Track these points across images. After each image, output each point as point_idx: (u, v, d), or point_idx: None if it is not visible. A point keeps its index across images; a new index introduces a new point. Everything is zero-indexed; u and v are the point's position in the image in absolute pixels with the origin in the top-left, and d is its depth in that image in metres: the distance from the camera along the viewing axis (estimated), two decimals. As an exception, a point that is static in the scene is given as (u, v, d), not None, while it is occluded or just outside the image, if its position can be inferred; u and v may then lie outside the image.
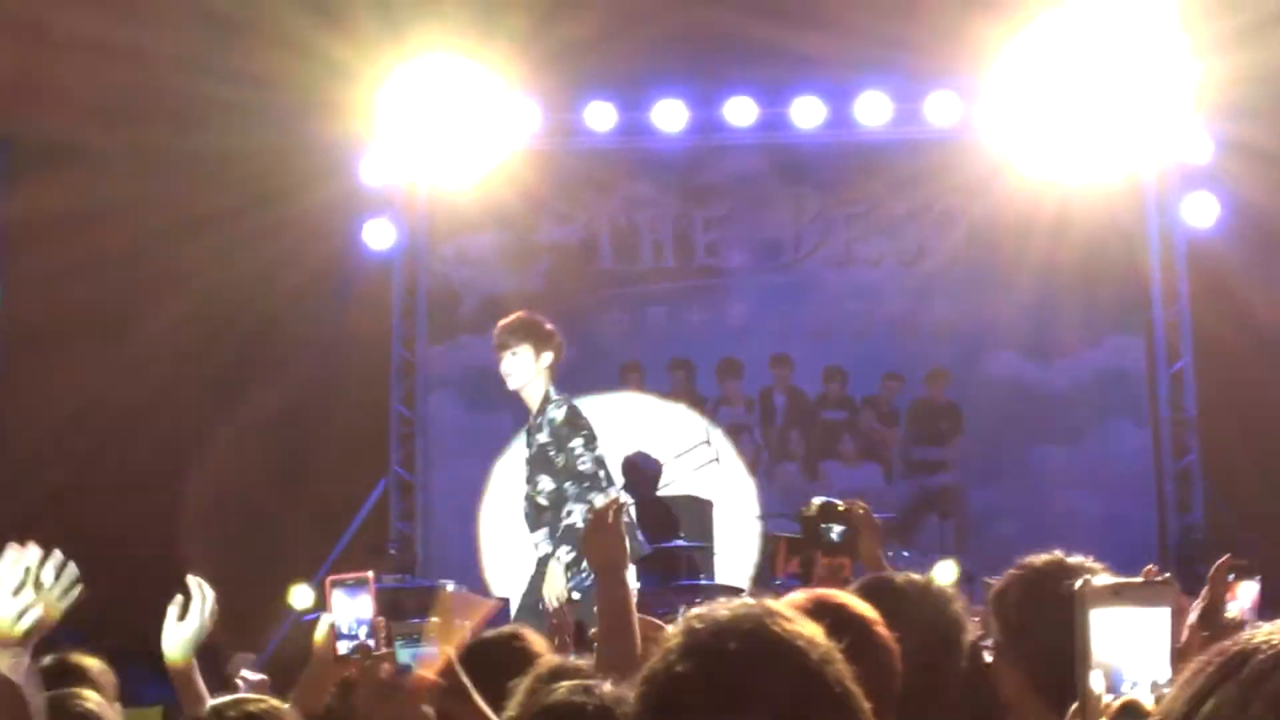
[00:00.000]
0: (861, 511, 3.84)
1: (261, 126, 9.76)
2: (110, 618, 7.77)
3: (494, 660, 2.77)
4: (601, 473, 5.50)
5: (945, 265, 9.47)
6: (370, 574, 2.92)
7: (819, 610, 1.86)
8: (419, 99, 9.06)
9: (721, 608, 1.57)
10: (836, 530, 3.83)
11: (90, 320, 9.62)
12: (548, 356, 5.58)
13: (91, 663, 3.22)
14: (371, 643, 2.71)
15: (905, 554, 7.68)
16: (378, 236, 9.44)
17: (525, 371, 5.53)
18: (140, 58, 9.84)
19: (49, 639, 2.54)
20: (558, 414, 5.53)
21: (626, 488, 8.46)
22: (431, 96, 9.06)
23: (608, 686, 2.11)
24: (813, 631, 1.55)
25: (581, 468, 5.45)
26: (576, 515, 5.38)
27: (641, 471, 8.44)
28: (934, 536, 8.70)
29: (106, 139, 9.87)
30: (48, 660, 3.15)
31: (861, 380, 9.49)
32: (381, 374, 9.64)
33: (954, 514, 8.83)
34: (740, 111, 9.32)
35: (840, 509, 3.84)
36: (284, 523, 9.53)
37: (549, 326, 5.64)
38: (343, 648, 2.81)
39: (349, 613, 2.98)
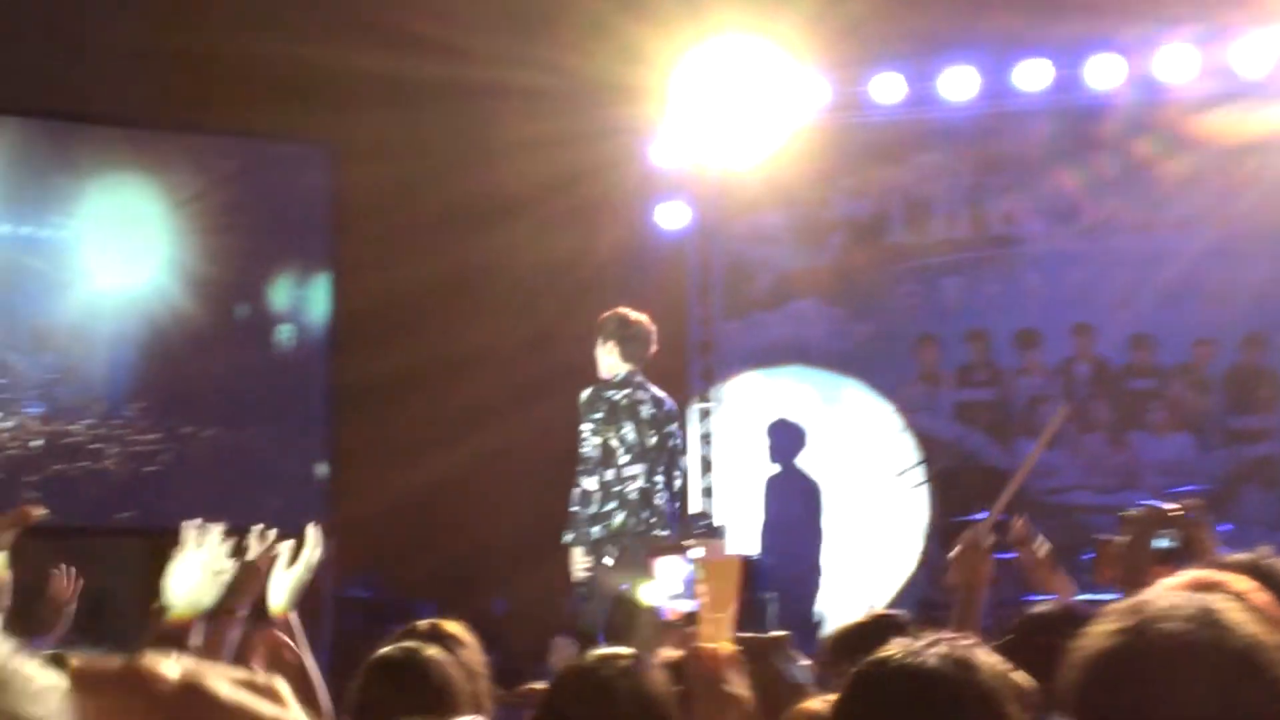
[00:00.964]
0: (1196, 510, 3.47)
1: (558, 113, 9.91)
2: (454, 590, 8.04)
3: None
4: (599, 455, 5.84)
5: (1259, 226, 8.87)
6: (688, 542, 2.89)
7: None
8: (710, 80, 9.03)
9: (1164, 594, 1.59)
10: (1168, 538, 3.49)
11: (411, 307, 9.96)
12: (609, 345, 6.11)
13: (453, 626, 3.24)
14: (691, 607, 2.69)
15: (1224, 527, 7.28)
16: (671, 218, 9.45)
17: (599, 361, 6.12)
18: (444, 50, 10.12)
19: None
20: (581, 396, 6.08)
21: (772, 451, 8.56)
22: (722, 77, 9.01)
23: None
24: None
25: (582, 450, 5.89)
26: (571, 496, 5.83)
27: (785, 435, 8.61)
28: (1254, 508, 8.21)
29: (415, 132, 10.20)
30: (422, 624, 3.24)
31: (1171, 347, 8.99)
32: (679, 352, 9.66)
33: (1277, 485, 8.30)
34: (1032, 75, 8.92)
35: (1171, 512, 3.44)
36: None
37: (610, 316, 6.21)
38: (671, 609, 2.79)
39: (670, 580, 2.96)
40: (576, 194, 9.85)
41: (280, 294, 9.43)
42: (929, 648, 1.75)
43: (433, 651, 2.83)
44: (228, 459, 9.06)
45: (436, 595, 9.46)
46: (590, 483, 5.77)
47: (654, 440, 5.88)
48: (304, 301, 9.43)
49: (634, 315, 6.17)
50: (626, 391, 5.97)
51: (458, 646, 3.05)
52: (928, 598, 8.14)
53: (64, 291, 8.94)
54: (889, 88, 9.11)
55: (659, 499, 5.85)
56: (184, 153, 9.36)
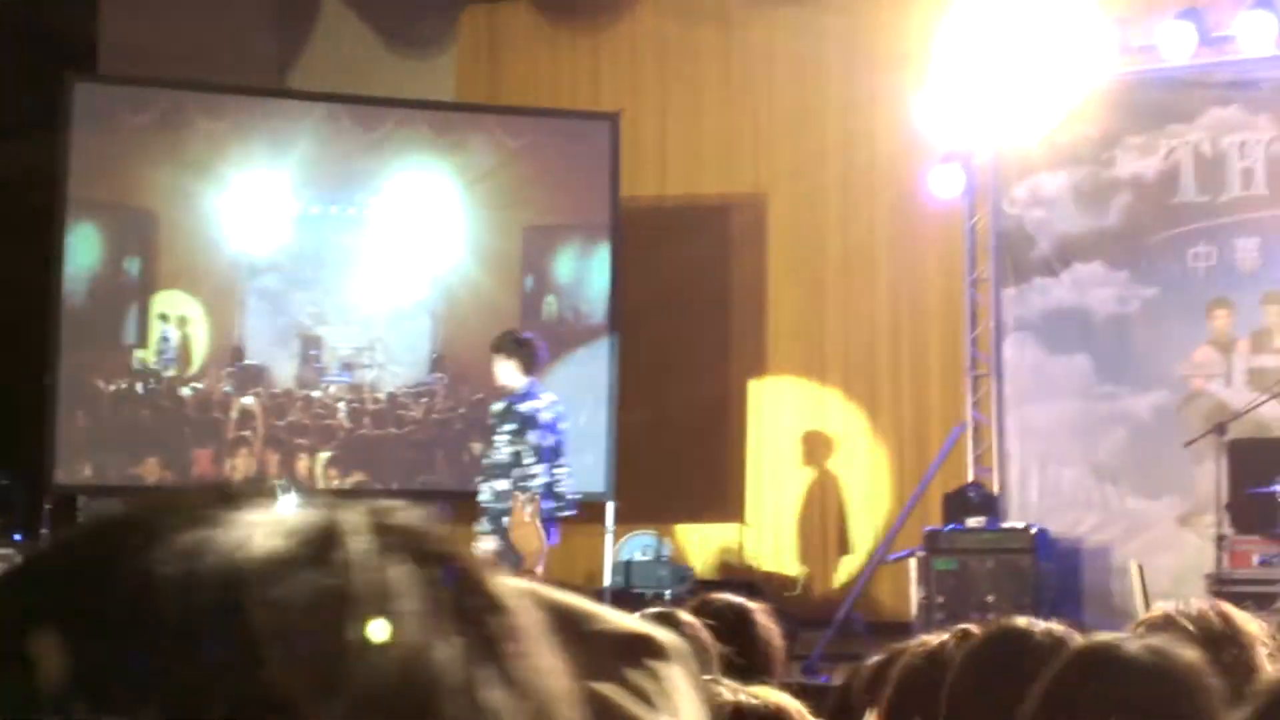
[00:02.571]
0: None
1: (828, 80, 9.65)
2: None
3: None
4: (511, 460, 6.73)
5: None
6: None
7: None
8: (987, 39, 8.56)
9: None
10: None
11: (686, 279, 9.95)
12: (511, 361, 6.89)
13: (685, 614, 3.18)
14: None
15: None
16: (945, 182, 9.05)
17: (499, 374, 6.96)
18: (718, 19, 10.00)
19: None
20: (494, 408, 7.01)
21: None
22: (999, 35, 8.53)
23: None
24: None
25: (495, 456, 6.81)
26: (485, 493, 6.77)
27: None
28: None
29: (692, 100, 10.13)
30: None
31: None
32: (955, 319, 9.30)
33: None
34: (1341, 19, 8.08)
35: None
36: (868, 460, 9.50)
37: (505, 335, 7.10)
38: None
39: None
40: (849, 160, 9.59)
41: (565, 266, 9.57)
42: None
43: None
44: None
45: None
46: (503, 484, 6.69)
47: (550, 441, 6.77)
48: (587, 272, 9.54)
49: (525, 334, 7.19)
50: (530, 402, 6.80)
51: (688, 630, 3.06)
52: (1217, 573, 7.62)
53: (368, 267, 9.32)
54: (1180, 39, 8.42)
55: (561, 487, 6.83)
56: (477, 131, 9.58)
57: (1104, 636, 1.88)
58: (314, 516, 0.51)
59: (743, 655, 2.70)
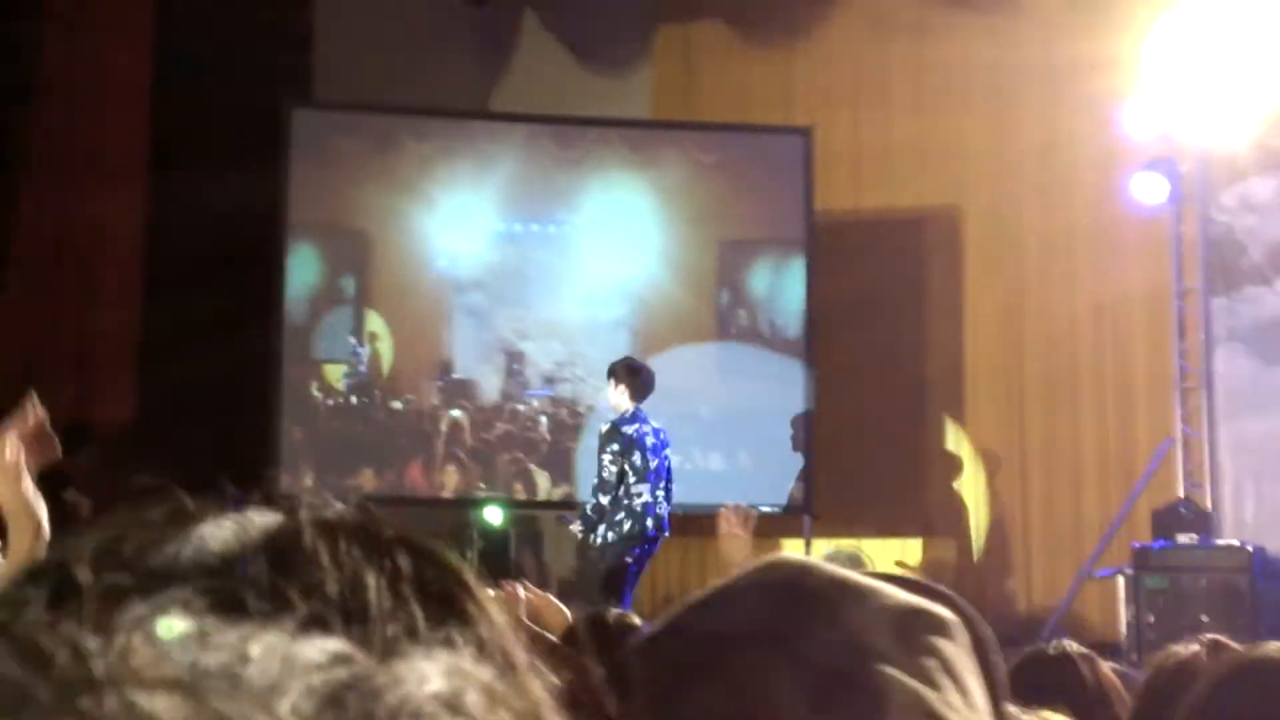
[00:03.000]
0: None
1: (1028, 87, 9.46)
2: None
3: None
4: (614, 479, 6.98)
5: None
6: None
7: None
8: (1192, 40, 8.29)
9: None
10: None
11: (873, 289, 9.86)
12: (620, 387, 7.15)
13: None
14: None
15: None
16: (1150, 189, 8.78)
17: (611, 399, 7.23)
18: (912, 29, 9.89)
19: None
20: (601, 429, 7.25)
21: None
22: (1205, 37, 8.25)
23: None
24: None
25: (602, 474, 7.03)
26: (589, 506, 7.10)
27: None
28: None
29: (885, 115, 10.05)
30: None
31: None
32: (1162, 330, 9.02)
33: None
34: None
35: None
36: (1072, 475, 9.27)
37: (620, 363, 7.33)
38: None
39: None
40: (1048, 169, 9.38)
41: (760, 280, 9.56)
42: None
43: None
44: (712, 439, 9.30)
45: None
46: (606, 500, 6.96)
47: (653, 464, 7.02)
48: (781, 286, 9.51)
49: (639, 363, 7.39)
50: (635, 426, 7.04)
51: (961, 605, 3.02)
52: None
53: (568, 283, 9.46)
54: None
55: (661, 509, 7.07)
56: (671, 147, 9.64)
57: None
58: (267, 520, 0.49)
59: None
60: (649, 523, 6.97)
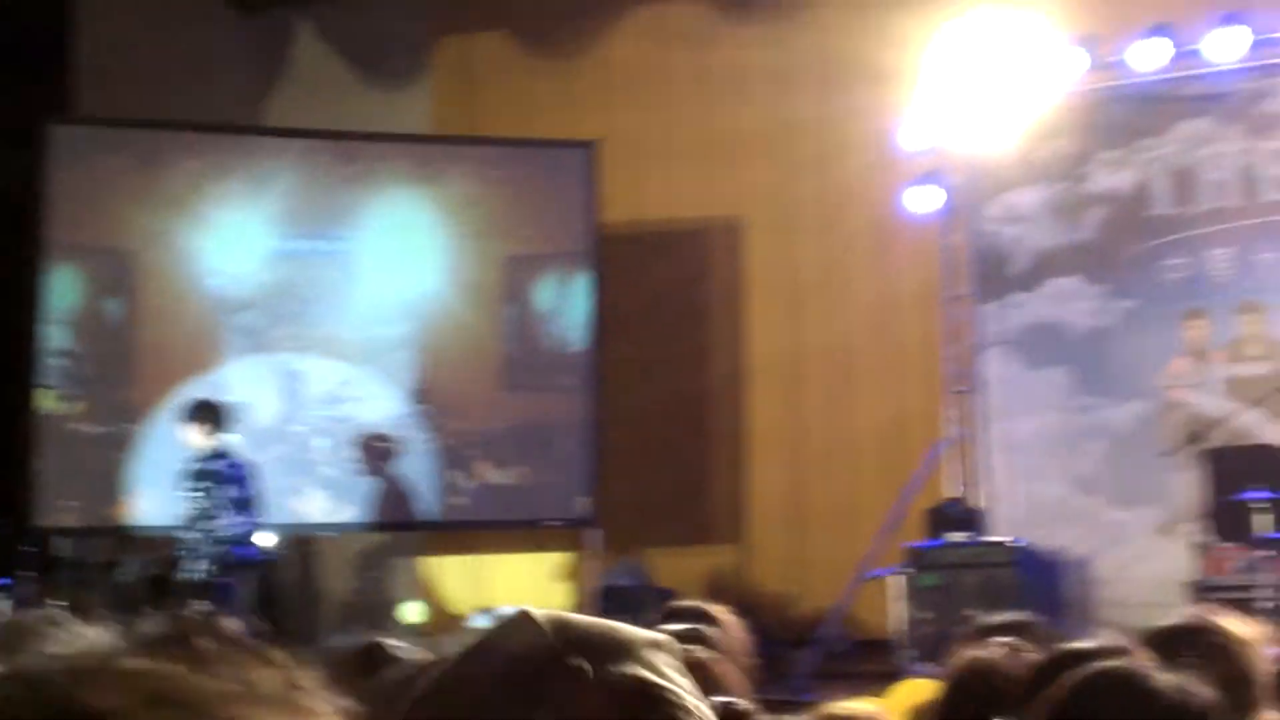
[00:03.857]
0: None
1: (806, 97, 9.53)
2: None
3: None
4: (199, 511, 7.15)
5: None
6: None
7: None
8: (963, 56, 8.45)
9: None
10: None
11: (667, 303, 9.82)
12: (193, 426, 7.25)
13: (717, 608, 3.07)
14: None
15: None
16: (922, 200, 8.92)
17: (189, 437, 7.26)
18: (694, 38, 9.87)
19: None
20: (181, 467, 7.29)
21: None
22: (975, 53, 8.41)
23: None
24: None
25: (187, 507, 7.17)
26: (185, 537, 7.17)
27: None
28: None
29: (669, 126, 10.01)
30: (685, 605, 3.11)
31: None
32: (931, 336, 9.18)
33: None
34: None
35: None
36: (849, 478, 9.36)
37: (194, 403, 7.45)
38: None
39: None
40: (825, 178, 9.47)
41: (545, 294, 9.42)
42: None
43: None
44: (499, 454, 9.14)
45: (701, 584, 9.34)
46: (194, 535, 7.08)
47: (239, 494, 7.14)
48: (567, 300, 9.39)
49: (209, 400, 7.48)
50: (219, 461, 7.16)
51: (719, 627, 2.95)
52: (1195, 581, 7.52)
53: (349, 300, 9.16)
54: (1150, 54, 8.30)
55: (251, 533, 7.25)
56: (454, 162, 9.43)
57: (1123, 663, 1.75)
58: None
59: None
60: (241, 547, 7.13)
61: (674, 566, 9.31)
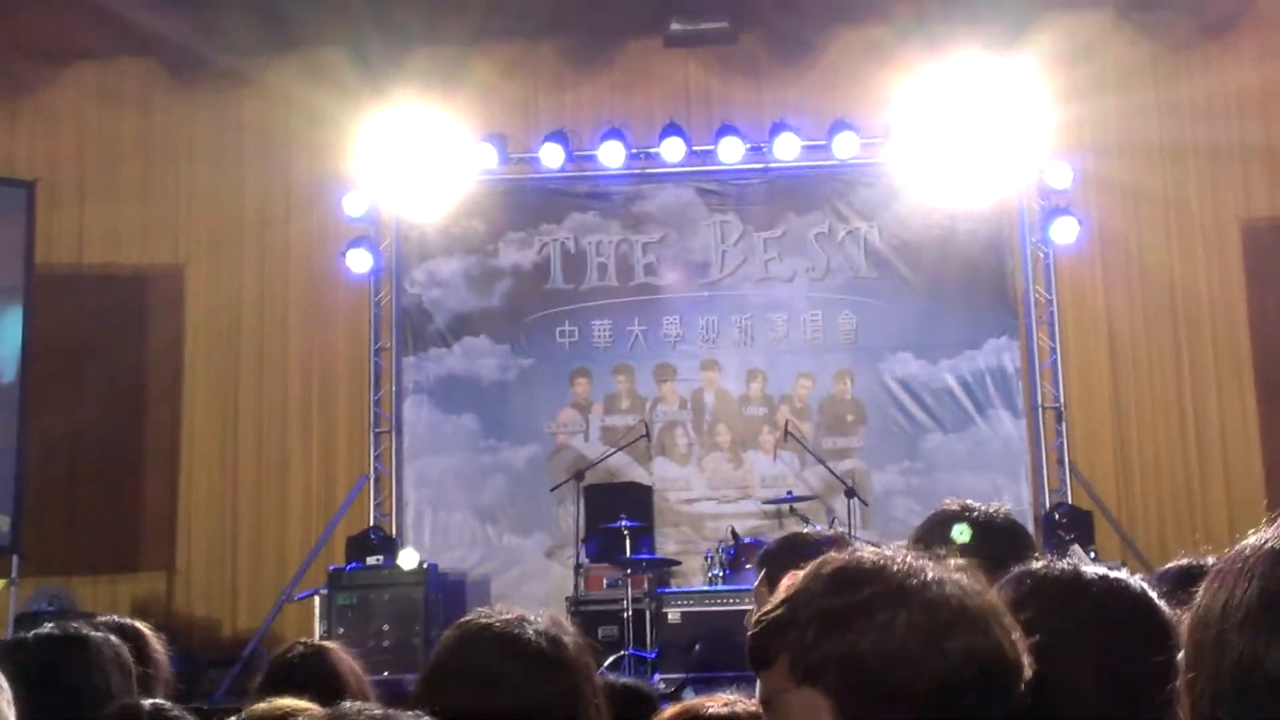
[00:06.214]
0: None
1: (256, 166, 9.90)
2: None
3: None
4: None
5: (849, 280, 9.79)
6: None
7: None
8: (394, 141, 9.23)
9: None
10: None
11: (96, 342, 9.67)
12: None
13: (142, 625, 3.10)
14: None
15: (817, 526, 7.96)
16: (358, 262, 9.54)
17: None
18: (141, 101, 9.94)
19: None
20: None
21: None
22: (404, 139, 9.22)
23: None
24: None
25: None
26: None
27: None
28: (844, 513, 8.96)
29: (112, 176, 9.96)
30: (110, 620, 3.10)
31: (779, 381, 9.75)
32: (361, 382, 9.78)
33: (859, 493, 9.09)
34: (672, 150, 9.52)
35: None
36: (279, 511, 9.64)
37: None
38: None
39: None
40: (269, 237, 9.85)
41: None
42: None
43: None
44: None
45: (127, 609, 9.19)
46: None
47: None
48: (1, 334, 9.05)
49: None
50: None
51: (142, 641, 3.03)
52: (574, 596, 8.46)
53: None
54: (552, 155, 9.51)
55: None
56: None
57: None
58: None
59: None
60: None
61: (102, 593, 9.10)
